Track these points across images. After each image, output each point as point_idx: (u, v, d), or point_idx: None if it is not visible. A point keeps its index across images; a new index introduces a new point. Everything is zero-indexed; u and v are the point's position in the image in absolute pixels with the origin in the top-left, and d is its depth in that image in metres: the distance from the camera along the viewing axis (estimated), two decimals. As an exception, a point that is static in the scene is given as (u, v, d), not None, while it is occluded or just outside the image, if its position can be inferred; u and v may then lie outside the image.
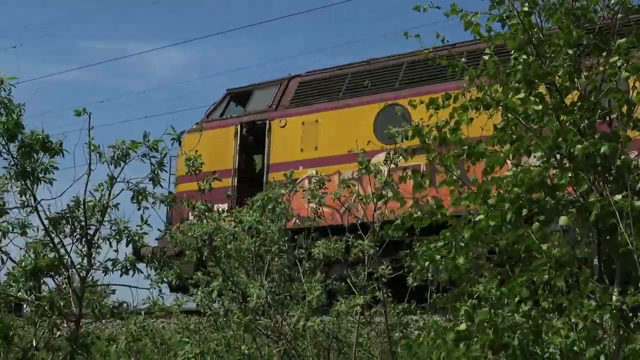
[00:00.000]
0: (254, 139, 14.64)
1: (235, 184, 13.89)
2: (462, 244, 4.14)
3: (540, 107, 3.70)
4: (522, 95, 3.72)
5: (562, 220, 3.73)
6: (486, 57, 4.25)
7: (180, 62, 70.06)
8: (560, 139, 3.63)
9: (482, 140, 4.06)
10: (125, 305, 7.52)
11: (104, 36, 66.90)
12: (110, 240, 7.32)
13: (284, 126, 14.40)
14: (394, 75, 14.23)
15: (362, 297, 4.99)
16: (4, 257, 7.06)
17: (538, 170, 3.72)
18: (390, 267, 5.42)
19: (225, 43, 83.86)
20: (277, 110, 14.74)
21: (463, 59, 4.30)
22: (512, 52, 4.01)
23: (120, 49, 66.58)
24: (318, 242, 5.58)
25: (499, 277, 4.23)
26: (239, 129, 14.44)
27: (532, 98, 3.78)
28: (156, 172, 6.99)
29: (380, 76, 14.32)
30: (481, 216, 3.88)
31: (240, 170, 14.26)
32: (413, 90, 13.34)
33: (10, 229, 7.09)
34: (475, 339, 4.34)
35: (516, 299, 4.26)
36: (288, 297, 5.50)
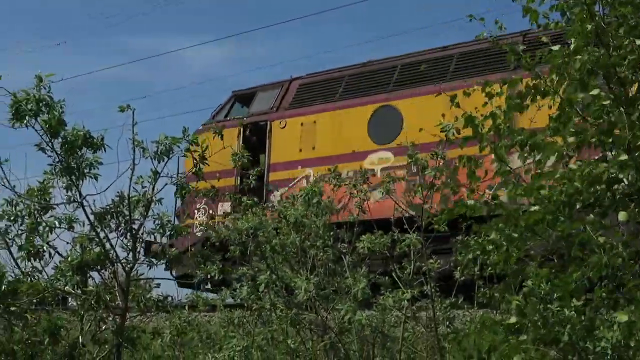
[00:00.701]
0: (257, 140, 14.98)
1: (238, 183, 14.13)
2: (515, 236, 4.05)
3: (608, 101, 3.59)
4: (596, 91, 3.60)
5: (622, 215, 3.63)
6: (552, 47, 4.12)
7: (222, 57, 70.53)
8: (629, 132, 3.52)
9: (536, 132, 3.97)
10: (170, 298, 7.60)
11: (145, 32, 67.67)
12: (155, 234, 7.41)
13: (284, 127, 14.81)
14: (388, 77, 14.60)
15: (409, 291, 4.94)
16: (52, 252, 7.17)
17: (603, 167, 3.60)
18: (438, 261, 5.37)
19: (268, 37, 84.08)
20: (278, 111, 15.22)
21: (521, 46, 4.18)
22: (572, 41, 3.90)
23: (161, 45, 67.28)
24: (363, 236, 5.55)
25: (553, 270, 4.13)
26: (241, 130, 14.85)
27: (601, 92, 3.67)
28: (199, 166, 7.03)
29: (375, 78, 14.74)
30: (536, 207, 3.79)
31: (242, 170, 14.65)
32: (406, 91, 13.90)
33: (57, 224, 7.19)
34: (526, 333, 4.26)
35: (568, 294, 4.17)
36: (333, 292, 5.46)
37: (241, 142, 14.72)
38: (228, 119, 15.68)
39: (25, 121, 6.36)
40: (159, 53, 69.90)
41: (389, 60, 15.11)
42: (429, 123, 15.53)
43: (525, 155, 4.18)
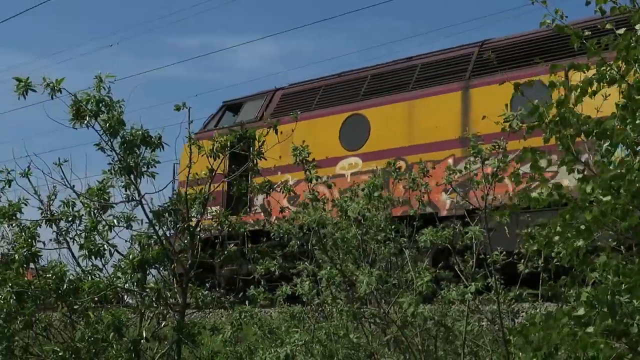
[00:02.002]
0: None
1: (226, 188, 14.59)
2: (583, 227, 4.03)
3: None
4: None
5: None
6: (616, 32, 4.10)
7: (270, 54, 71.09)
8: None
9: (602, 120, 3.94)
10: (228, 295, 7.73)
11: (195, 31, 68.57)
12: (212, 230, 7.55)
13: (266, 135, 15.29)
14: (358, 87, 15.86)
15: (474, 284, 4.95)
16: (112, 250, 7.35)
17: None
18: (502, 252, 5.37)
19: (315, 34, 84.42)
20: (261, 120, 15.84)
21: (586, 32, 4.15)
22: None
23: (210, 44, 68.14)
24: (425, 229, 5.58)
25: (623, 262, 4.10)
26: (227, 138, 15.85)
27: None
28: (255, 162, 7.15)
29: (347, 88, 16.06)
30: (607, 198, 3.77)
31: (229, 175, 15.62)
32: (373, 100, 15.22)
33: (116, 222, 7.38)
34: (594, 325, 4.23)
35: (638, 285, 4.13)
36: (394, 285, 5.51)
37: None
38: (217, 127, 16.68)
39: (85, 121, 6.55)
40: (209, 52, 70.78)
41: (361, 71, 16.41)
42: (391, 130, 16.65)
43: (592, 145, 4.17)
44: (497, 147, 5.18)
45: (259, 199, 15.49)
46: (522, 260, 5.40)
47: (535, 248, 4.56)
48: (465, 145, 13.19)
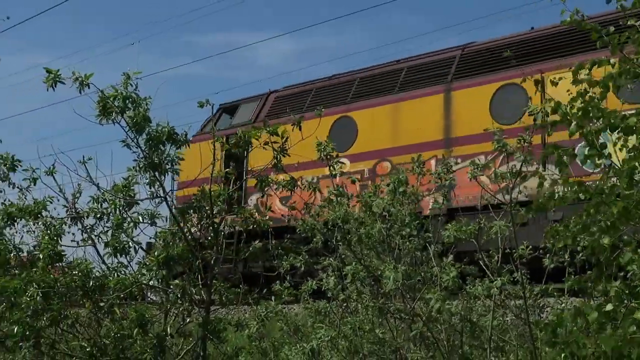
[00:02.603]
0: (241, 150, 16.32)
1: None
2: (609, 222, 4.06)
3: None
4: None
5: None
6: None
7: (289, 51, 71.28)
8: None
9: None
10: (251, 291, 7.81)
11: (215, 30, 68.89)
12: (236, 227, 7.64)
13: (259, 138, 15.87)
14: (347, 90, 16.44)
15: (500, 279, 4.99)
16: (137, 247, 7.45)
17: None
18: (529, 246, 5.41)
19: (335, 30, 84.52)
20: (256, 123, 16.59)
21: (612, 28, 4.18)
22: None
23: (230, 41, 68.49)
24: (448, 225, 5.63)
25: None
26: (224, 141, 16.33)
27: None
28: (279, 158, 7.21)
29: (337, 91, 16.63)
30: (632, 191, 3.80)
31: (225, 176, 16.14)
32: (361, 103, 15.81)
33: (141, 219, 7.48)
34: (624, 319, 4.25)
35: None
36: (419, 281, 5.56)
37: (224, 152, 16.23)
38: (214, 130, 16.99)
39: (112, 117, 6.64)
40: (229, 49, 71.21)
41: (350, 74, 17.01)
42: (377, 131, 17.11)
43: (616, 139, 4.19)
44: (522, 141, 5.21)
45: (253, 199, 16.06)
46: (548, 255, 5.43)
47: (561, 245, 4.59)
48: (448, 146, 14.03)
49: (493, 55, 14.14)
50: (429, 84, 14.84)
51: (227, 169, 8.06)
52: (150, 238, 8.12)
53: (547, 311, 6.15)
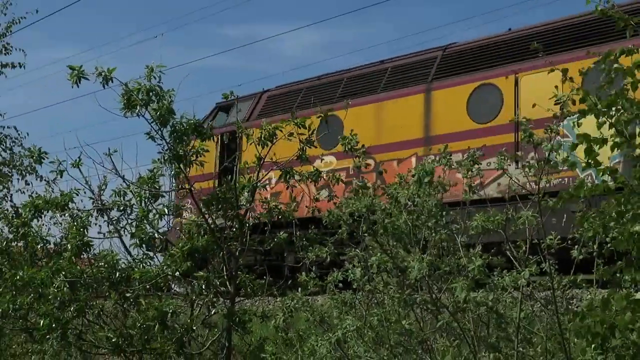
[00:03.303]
0: (235, 147, 16.63)
1: (217, 185, 15.26)
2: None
3: None
4: None
5: None
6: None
7: (313, 43, 71.37)
8: None
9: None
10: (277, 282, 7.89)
11: (239, 21, 69.11)
12: (260, 218, 7.70)
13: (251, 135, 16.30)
14: (335, 89, 17.03)
15: (527, 270, 4.99)
16: (162, 238, 7.54)
17: None
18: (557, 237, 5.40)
19: (358, 21, 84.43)
20: (249, 121, 17.24)
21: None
22: None
23: (252, 33, 68.71)
24: (476, 215, 5.64)
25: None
26: (219, 139, 16.36)
27: None
28: (304, 149, 7.27)
29: (325, 90, 17.14)
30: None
31: (220, 173, 15.88)
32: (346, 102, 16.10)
33: (166, 211, 7.57)
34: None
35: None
36: (446, 272, 5.57)
37: (219, 149, 16.96)
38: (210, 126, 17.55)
39: (136, 110, 6.71)
40: (253, 41, 71.44)
41: (337, 74, 17.59)
42: (362, 130, 17.50)
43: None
44: (550, 131, 5.20)
45: (245, 194, 16.17)
46: (576, 246, 5.42)
47: (590, 234, 4.59)
48: (428, 144, 14.50)
49: (471, 56, 14.88)
50: (411, 83, 15.55)
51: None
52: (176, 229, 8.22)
53: (574, 303, 6.13)
